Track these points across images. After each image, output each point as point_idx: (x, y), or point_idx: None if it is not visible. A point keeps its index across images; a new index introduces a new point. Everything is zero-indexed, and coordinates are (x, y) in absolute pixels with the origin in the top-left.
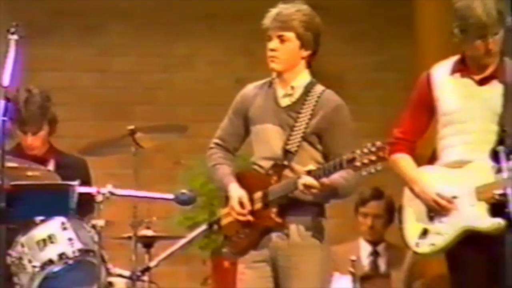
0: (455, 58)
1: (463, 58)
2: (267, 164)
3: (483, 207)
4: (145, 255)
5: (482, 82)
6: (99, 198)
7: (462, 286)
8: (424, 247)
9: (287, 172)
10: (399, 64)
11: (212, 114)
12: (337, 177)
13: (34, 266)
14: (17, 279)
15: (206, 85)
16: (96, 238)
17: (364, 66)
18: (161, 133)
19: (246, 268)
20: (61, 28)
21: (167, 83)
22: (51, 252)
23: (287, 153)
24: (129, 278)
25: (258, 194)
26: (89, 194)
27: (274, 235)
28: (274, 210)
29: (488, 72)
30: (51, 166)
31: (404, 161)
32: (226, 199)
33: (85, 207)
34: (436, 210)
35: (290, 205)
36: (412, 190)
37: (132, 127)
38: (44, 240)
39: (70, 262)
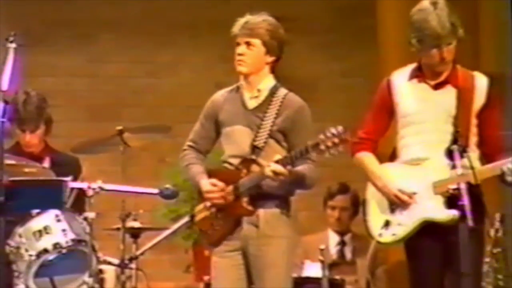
0: (412, 66)
1: (419, 66)
2: (236, 161)
3: (439, 200)
4: (132, 244)
5: (437, 87)
6: (90, 192)
7: (418, 272)
8: (386, 237)
9: (254, 167)
10: (363, 70)
11: (194, 116)
12: (301, 168)
13: (30, 255)
14: (16, 267)
15: (188, 89)
16: (87, 229)
17: (332, 72)
18: (147, 133)
19: (219, 257)
20: (56, 37)
21: (153, 87)
22: (46, 242)
23: (255, 149)
24: (118, 265)
25: (229, 188)
26: (81, 189)
27: (245, 227)
28: (245, 199)
29: (442, 77)
30: (46, 163)
31: (367, 159)
32: (200, 196)
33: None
34: (397, 204)
35: (259, 198)
36: (375, 185)
37: (120, 127)
38: (40, 231)
39: (64, 251)
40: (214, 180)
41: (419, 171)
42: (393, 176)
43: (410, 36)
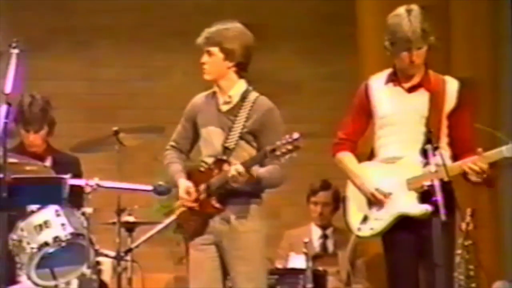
0: (388, 71)
1: (395, 71)
2: (210, 160)
3: (413, 196)
4: (127, 238)
5: (410, 90)
6: (88, 189)
7: (394, 264)
8: (365, 231)
9: (226, 166)
10: (345, 74)
11: None
12: (263, 170)
13: (32, 248)
14: (18, 259)
15: (180, 92)
16: (85, 223)
17: (315, 76)
18: (142, 133)
19: (195, 250)
20: (56, 43)
21: (147, 90)
22: (46, 236)
23: (226, 149)
24: (114, 258)
25: (202, 186)
26: (79, 186)
27: (217, 222)
28: (214, 198)
29: (415, 81)
30: (48, 162)
31: (347, 158)
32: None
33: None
34: (374, 202)
35: (229, 195)
36: (354, 183)
37: (116, 128)
38: (40, 225)
39: (63, 244)
40: (189, 186)
41: (394, 169)
42: (370, 174)
43: (385, 39)
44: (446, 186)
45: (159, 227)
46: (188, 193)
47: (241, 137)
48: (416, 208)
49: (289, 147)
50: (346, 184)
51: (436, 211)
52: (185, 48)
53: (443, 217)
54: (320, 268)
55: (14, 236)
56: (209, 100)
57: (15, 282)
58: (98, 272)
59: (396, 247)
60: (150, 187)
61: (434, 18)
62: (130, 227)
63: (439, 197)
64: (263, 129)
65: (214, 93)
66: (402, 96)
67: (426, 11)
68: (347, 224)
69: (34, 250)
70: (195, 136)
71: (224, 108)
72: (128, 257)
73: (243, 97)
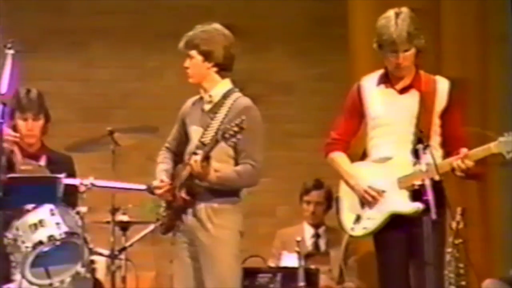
0: (379, 72)
1: (386, 73)
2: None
3: (404, 194)
4: (121, 237)
5: (402, 91)
6: (82, 188)
7: (386, 262)
8: (358, 230)
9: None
10: (336, 75)
11: None
12: (231, 170)
13: (27, 247)
14: (13, 257)
15: (174, 92)
16: (79, 222)
17: (308, 77)
18: (136, 133)
19: (175, 247)
20: (51, 44)
21: (141, 90)
22: (41, 235)
23: (201, 144)
24: (108, 256)
25: (177, 181)
26: (73, 185)
27: (189, 219)
28: (184, 191)
29: (406, 82)
30: (42, 161)
31: (340, 158)
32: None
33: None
34: (366, 200)
35: (202, 192)
36: (347, 183)
37: (110, 128)
38: (35, 224)
39: (58, 243)
40: (163, 178)
41: (385, 168)
42: (363, 174)
43: (373, 42)
44: (437, 185)
45: (153, 226)
46: (162, 181)
47: (217, 133)
48: (407, 206)
49: (235, 129)
50: (338, 183)
51: (427, 210)
52: (177, 49)
53: (433, 216)
54: (312, 267)
55: (9, 235)
56: (197, 102)
57: (9, 280)
58: (92, 270)
59: (387, 246)
60: (144, 187)
61: (424, 20)
62: (124, 226)
63: (429, 196)
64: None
65: (202, 96)
66: (394, 97)
67: (416, 13)
68: (340, 224)
69: (29, 249)
70: (185, 138)
71: (207, 107)
72: (122, 256)
73: (226, 96)
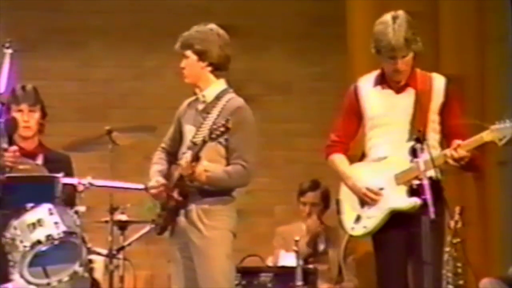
0: (376, 72)
1: (383, 73)
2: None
3: (402, 190)
4: (120, 236)
5: (398, 91)
6: (81, 188)
7: (384, 261)
8: (358, 230)
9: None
10: (334, 74)
11: None
12: (221, 170)
13: (25, 246)
14: (11, 257)
15: (172, 92)
16: (78, 222)
17: (306, 76)
18: (134, 133)
19: (173, 250)
20: (49, 43)
21: (139, 90)
22: (39, 234)
23: (193, 144)
24: (106, 256)
25: (170, 182)
26: (72, 184)
27: (182, 221)
28: (176, 190)
29: (403, 82)
30: (39, 160)
31: (339, 160)
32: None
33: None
34: (366, 201)
35: (194, 193)
36: (346, 184)
37: (109, 127)
38: (33, 223)
39: (56, 242)
40: (158, 178)
41: (383, 166)
42: (361, 174)
43: (371, 45)
44: (436, 185)
45: (151, 226)
46: (157, 182)
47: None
48: (405, 201)
49: (222, 129)
50: (337, 183)
51: (425, 209)
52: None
53: (432, 215)
54: (311, 266)
55: (7, 235)
56: (193, 102)
57: (8, 280)
58: (91, 270)
59: (385, 245)
60: (142, 186)
61: (423, 19)
62: (122, 226)
63: (428, 195)
64: (232, 126)
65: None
66: (391, 97)
67: (415, 13)
68: (341, 225)
69: (27, 248)
70: (181, 137)
71: (200, 107)
72: (120, 255)
73: (219, 96)
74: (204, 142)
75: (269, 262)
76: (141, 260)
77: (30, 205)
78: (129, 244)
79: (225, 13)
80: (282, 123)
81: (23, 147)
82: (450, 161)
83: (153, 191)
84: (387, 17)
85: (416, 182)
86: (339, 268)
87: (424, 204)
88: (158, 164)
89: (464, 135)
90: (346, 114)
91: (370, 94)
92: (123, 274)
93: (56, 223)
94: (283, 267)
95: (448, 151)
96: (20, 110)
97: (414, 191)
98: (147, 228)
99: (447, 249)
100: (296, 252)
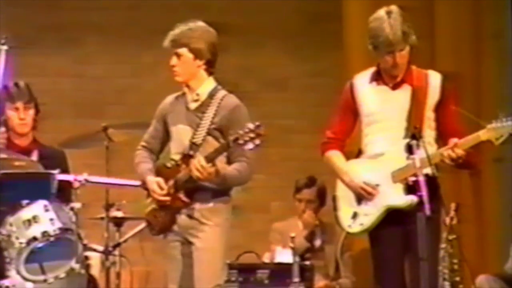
0: (372, 69)
1: (378, 70)
2: (178, 157)
3: (399, 188)
4: (116, 233)
5: (394, 87)
6: (76, 184)
7: (381, 258)
8: (355, 227)
9: (191, 161)
10: (330, 71)
11: None
12: (231, 168)
13: (21, 243)
14: (7, 253)
15: (168, 89)
16: (73, 218)
17: (302, 73)
18: (130, 129)
19: (168, 248)
20: (45, 40)
21: (135, 86)
22: (35, 231)
23: (193, 145)
24: (102, 252)
25: (170, 182)
26: (67, 181)
27: (183, 218)
28: (182, 192)
29: (399, 78)
30: (34, 156)
31: (335, 157)
32: (148, 192)
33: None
34: (363, 196)
35: (195, 191)
36: (342, 180)
37: (104, 124)
38: (29, 220)
39: (52, 239)
40: (160, 180)
41: (379, 163)
42: (358, 170)
43: (367, 42)
44: (432, 181)
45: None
46: (160, 187)
47: (208, 133)
48: (402, 199)
49: (252, 135)
50: (333, 180)
51: (421, 206)
52: None
53: (427, 212)
54: (307, 263)
55: (3, 231)
56: (179, 100)
57: (4, 277)
58: (87, 266)
59: (382, 242)
60: (138, 182)
61: (418, 16)
62: (118, 222)
63: (424, 192)
64: (230, 125)
65: (183, 93)
66: (387, 93)
67: (408, 10)
68: (337, 222)
69: (23, 245)
70: (166, 136)
71: (193, 106)
72: (117, 252)
73: (212, 94)
74: (228, 147)
75: (266, 258)
76: (137, 257)
77: (25, 201)
78: (125, 241)
79: (221, 10)
80: (278, 119)
81: (17, 144)
82: (447, 161)
83: (156, 196)
84: (381, 12)
85: (412, 178)
86: (336, 264)
87: (420, 201)
88: (145, 163)
89: (459, 133)
90: (342, 110)
91: (366, 90)
92: (119, 271)
93: (51, 219)
94: (279, 263)
95: (445, 151)
96: (15, 108)
97: (410, 188)
98: (143, 224)
99: (443, 245)
100: (293, 248)
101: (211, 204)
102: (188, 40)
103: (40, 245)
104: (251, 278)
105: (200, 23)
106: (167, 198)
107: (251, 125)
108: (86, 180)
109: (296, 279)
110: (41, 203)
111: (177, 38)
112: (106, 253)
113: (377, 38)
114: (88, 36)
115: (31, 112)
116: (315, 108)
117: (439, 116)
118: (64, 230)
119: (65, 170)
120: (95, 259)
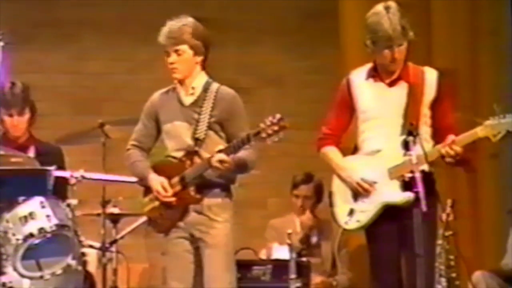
0: (368, 66)
1: (375, 66)
2: (179, 154)
3: (395, 185)
4: (112, 229)
5: (391, 84)
6: (73, 181)
7: (377, 254)
8: (352, 224)
9: (196, 158)
10: (327, 68)
11: None
12: (242, 154)
13: (17, 239)
14: (4, 250)
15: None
16: (70, 215)
17: (298, 70)
18: (126, 126)
19: (171, 244)
20: (41, 36)
21: (132, 83)
22: (31, 227)
23: (196, 140)
24: (99, 249)
25: (175, 179)
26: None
27: (191, 214)
28: (192, 188)
29: (395, 75)
30: (31, 152)
31: (332, 153)
32: (146, 190)
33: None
34: (359, 192)
35: (203, 187)
36: (339, 176)
37: (101, 120)
38: (25, 216)
39: (48, 235)
40: (164, 181)
41: (376, 160)
42: (355, 166)
43: (365, 37)
44: (428, 177)
45: (144, 218)
46: (164, 188)
47: (209, 127)
48: (398, 196)
49: (275, 128)
50: (330, 176)
51: (417, 202)
52: None
53: (424, 208)
54: (304, 259)
55: (0, 228)
56: (169, 95)
57: (0, 273)
58: (83, 263)
59: (378, 238)
60: (134, 179)
61: (415, 12)
62: (115, 219)
63: (420, 188)
64: (230, 117)
65: (173, 88)
66: (383, 90)
67: (405, 6)
68: (334, 219)
69: (20, 242)
70: (157, 133)
71: (188, 101)
72: (113, 248)
73: (205, 88)
74: (249, 140)
75: (262, 255)
76: (134, 253)
77: (22, 198)
78: (122, 237)
79: (217, 7)
80: None
81: (14, 140)
82: (447, 159)
83: (161, 197)
84: (379, 7)
85: (409, 174)
86: (332, 261)
87: (417, 197)
88: (142, 161)
89: (455, 130)
90: (338, 107)
91: (363, 87)
92: (116, 267)
93: (48, 216)
94: (276, 260)
95: (443, 149)
96: (10, 115)
97: (406, 184)
98: (139, 221)
99: (439, 242)
100: (290, 245)
101: (219, 200)
102: (189, 37)
103: (36, 241)
104: (248, 275)
105: (190, 19)
106: (173, 199)
107: (273, 118)
108: (83, 177)
109: (293, 276)
110: (37, 200)
111: (178, 35)
112: (103, 249)
113: (376, 32)
114: (85, 32)
115: (26, 117)
116: (312, 105)
117: (435, 112)
118: (60, 226)
119: (61, 166)
120: (91, 255)
